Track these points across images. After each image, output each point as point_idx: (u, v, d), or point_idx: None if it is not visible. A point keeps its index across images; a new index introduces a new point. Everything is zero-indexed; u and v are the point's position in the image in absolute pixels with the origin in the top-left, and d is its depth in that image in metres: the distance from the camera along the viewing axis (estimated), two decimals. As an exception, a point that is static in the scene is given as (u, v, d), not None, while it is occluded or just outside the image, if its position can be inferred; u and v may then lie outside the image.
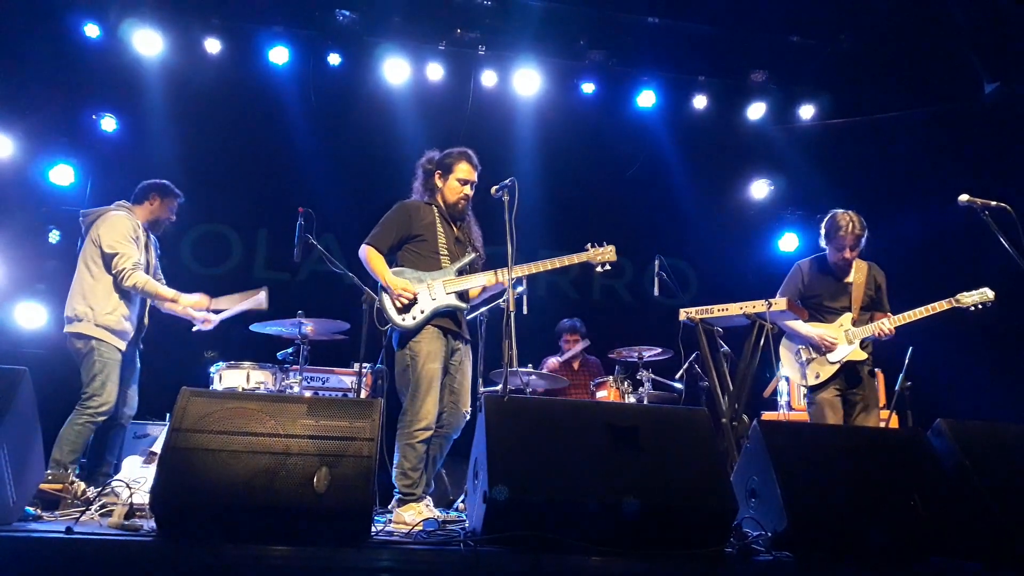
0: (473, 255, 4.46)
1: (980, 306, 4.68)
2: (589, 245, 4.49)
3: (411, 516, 3.84)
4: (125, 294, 4.71)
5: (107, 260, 4.66)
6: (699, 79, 8.06)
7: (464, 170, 4.46)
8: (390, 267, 4.33)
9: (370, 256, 4.30)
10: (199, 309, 4.90)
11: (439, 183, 4.50)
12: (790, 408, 6.30)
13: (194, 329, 4.98)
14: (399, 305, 4.20)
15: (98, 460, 4.69)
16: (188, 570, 2.62)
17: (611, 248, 4.48)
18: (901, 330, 4.82)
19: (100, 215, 4.82)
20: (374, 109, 7.70)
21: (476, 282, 4.33)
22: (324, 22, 7.34)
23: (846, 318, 4.87)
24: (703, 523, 3.05)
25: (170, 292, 4.79)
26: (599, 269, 4.48)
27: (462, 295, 4.33)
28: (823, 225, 4.94)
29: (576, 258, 4.46)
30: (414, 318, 4.19)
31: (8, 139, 6.78)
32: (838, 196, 6.94)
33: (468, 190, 4.47)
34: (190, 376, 4.76)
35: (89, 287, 4.66)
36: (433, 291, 4.24)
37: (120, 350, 4.66)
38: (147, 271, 4.81)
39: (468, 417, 4.36)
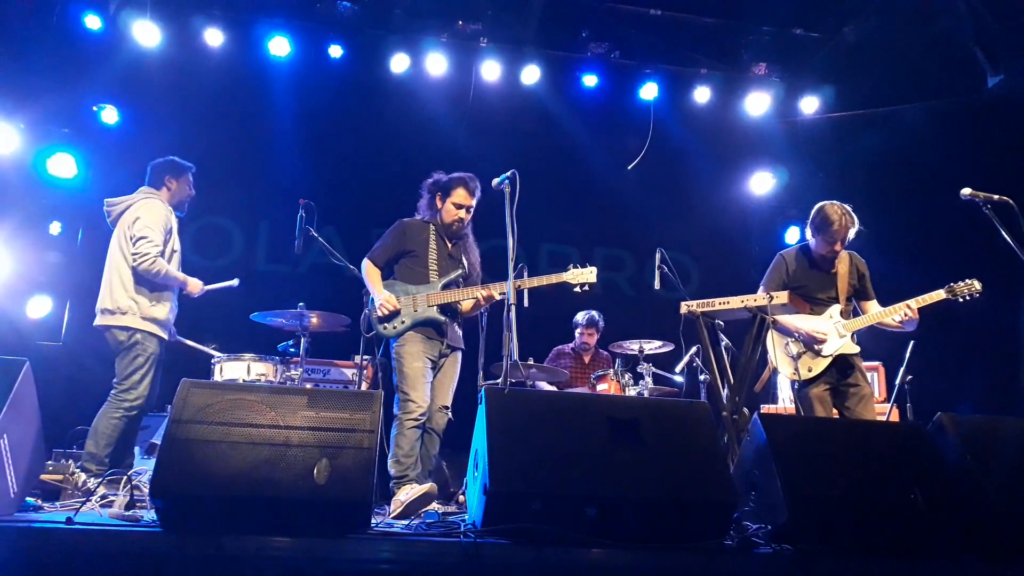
0: (459, 271, 4.65)
1: (968, 296, 4.62)
2: (571, 266, 4.62)
3: (405, 495, 3.94)
4: (166, 284, 4.80)
5: (133, 245, 4.69)
6: (701, 72, 8.03)
7: (460, 195, 4.66)
8: (386, 279, 4.64)
9: (367, 269, 4.66)
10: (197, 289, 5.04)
11: (438, 204, 4.73)
12: (791, 401, 6.28)
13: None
14: (381, 314, 4.49)
15: (124, 451, 4.74)
16: (188, 561, 2.62)
17: (592, 269, 4.61)
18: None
19: (129, 204, 4.84)
20: (375, 101, 7.70)
21: (459, 297, 4.57)
22: (326, 13, 7.32)
23: (835, 309, 4.81)
24: (704, 516, 3.06)
25: (182, 275, 4.91)
26: (577, 290, 4.60)
27: (445, 309, 4.55)
28: (812, 217, 4.86)
29: (555, 278, 4.59)
30: (395, 327, 4.50)
31: (14, 131, 6.76)
32: (840, 189, 6.94)
33: (463, 214, 4.69)
34: (190, 368, 4.76)
35: (130, 279, 4.71)
36: (416, 304, 4.52)
37: (163, 340, 4.79)
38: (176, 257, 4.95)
39: (448, 415, 4.57)
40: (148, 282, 4.73)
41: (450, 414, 4.59)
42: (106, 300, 4.72)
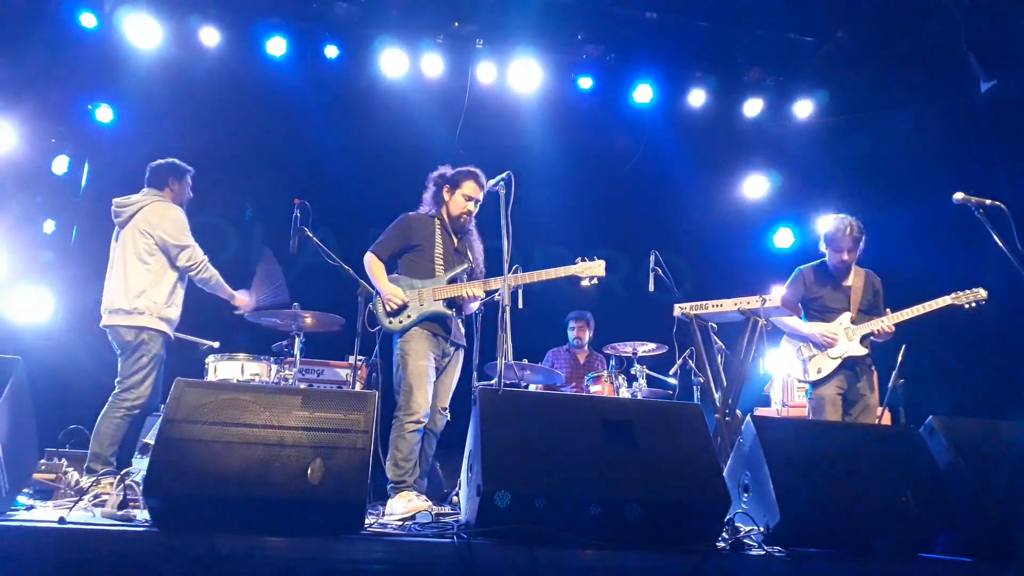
0: (465, 265, 4.63)
1: (974, 304, 4.82)
2: (579, 259, 4.61)
3: (402, 505, 3.92)
4: (179, 286, 4.84)
5: (171, 253, 4.74)
6: (696, 75, 8.06)
7: (470, 188, 4.64)
8: (390, 273, 4.58)
9: (371, 263, 4.58)
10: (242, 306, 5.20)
11: (446, 196, 4.68)
12: (784, 405, 6.31)
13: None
14: (388, 309, 4.44)
15: (131, 451, 4.73)
16: (181, 561, 2.62)
17: (600, 263, 4.60)
18: (897, 327, 4.90)
19: (143, 206, 4.80)
20: (371, 101, 7.69)
21: (464, 291, 4.50)
22: (322, 13, 7.33)
23: (845, 316, 5.03)
24: (696, 517, 3.06)
25: (229, 289, 5.05)
26: (585, 283, 4.59)
27: (451, 303, 4.51)
28: (822, 230, 5.11)
29: (564, 271, 4.59)
30: (400, 322, 4.44)
31: (8, 128, 6.73)
32: (834, 192, 6.95)
33: (471, 207, 4.66)
34: (184, 367, 4.75)
35: (148, 281, 4.69)
36: (422, 298, 4.47)
37: (168, 338, 4.79)
38: None
39: (447, 416, 4.56)
40: (166, 284, 4.73)
41: (448, 415, 4.58)
42: (119, 300, 4.65)
